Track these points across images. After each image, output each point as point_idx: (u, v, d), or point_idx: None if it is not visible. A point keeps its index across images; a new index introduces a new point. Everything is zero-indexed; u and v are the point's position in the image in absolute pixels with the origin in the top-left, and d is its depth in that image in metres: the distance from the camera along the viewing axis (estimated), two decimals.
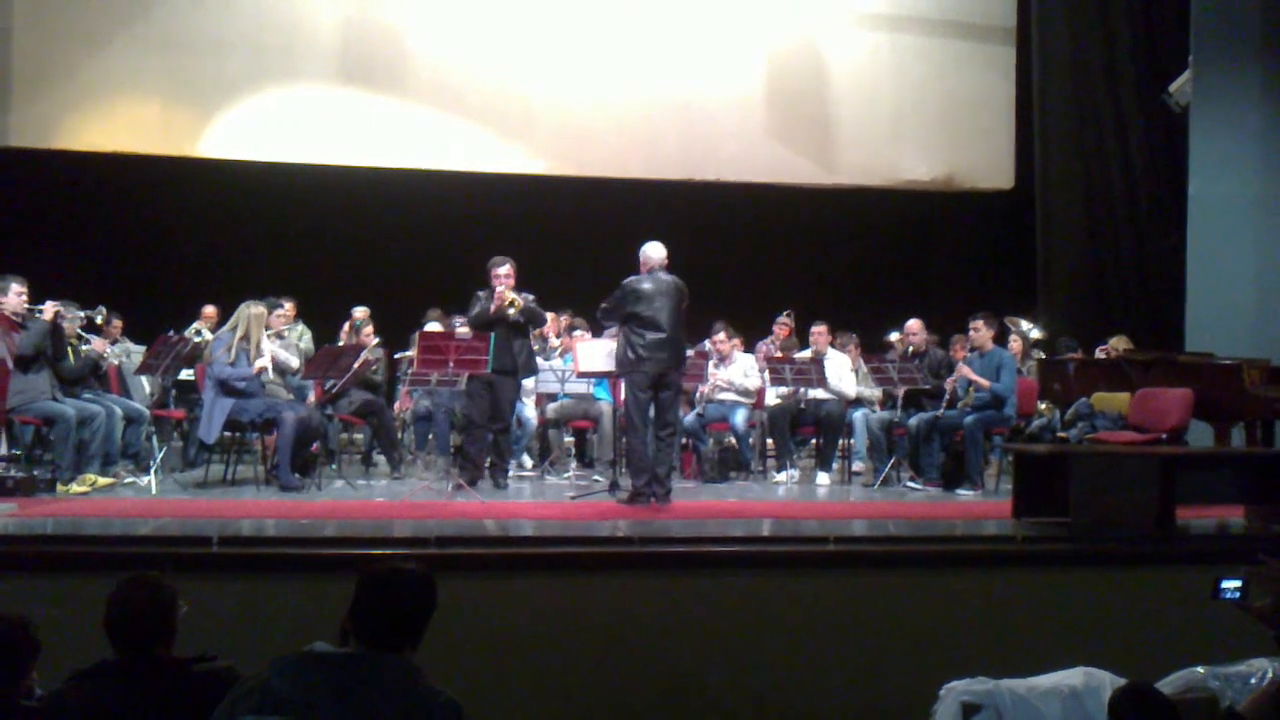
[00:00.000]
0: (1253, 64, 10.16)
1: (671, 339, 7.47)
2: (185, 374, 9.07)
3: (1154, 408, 7.96)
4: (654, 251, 7.69)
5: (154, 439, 8.55)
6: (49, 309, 7.66)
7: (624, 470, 8.03)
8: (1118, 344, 9.91)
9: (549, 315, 10.31)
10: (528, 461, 9.72)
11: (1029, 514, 6.82)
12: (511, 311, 8.13)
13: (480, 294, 8.30)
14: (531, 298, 8.35)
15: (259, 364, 7.91)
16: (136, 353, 9.57)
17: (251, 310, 8.02)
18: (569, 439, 10.03)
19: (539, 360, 9.77)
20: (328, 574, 5.27)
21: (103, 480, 7.55)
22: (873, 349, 10.57)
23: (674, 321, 7.49)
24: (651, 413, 7.60)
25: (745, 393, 9.46)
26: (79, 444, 7.47)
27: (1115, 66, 13.06)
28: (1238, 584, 3.30)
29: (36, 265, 8.83)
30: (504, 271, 8.20)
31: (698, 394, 9.57)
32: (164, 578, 3.20)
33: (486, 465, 8.44)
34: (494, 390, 8.18)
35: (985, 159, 13.44)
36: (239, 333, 7.91)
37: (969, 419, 8.58)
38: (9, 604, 3.56)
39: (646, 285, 7.50)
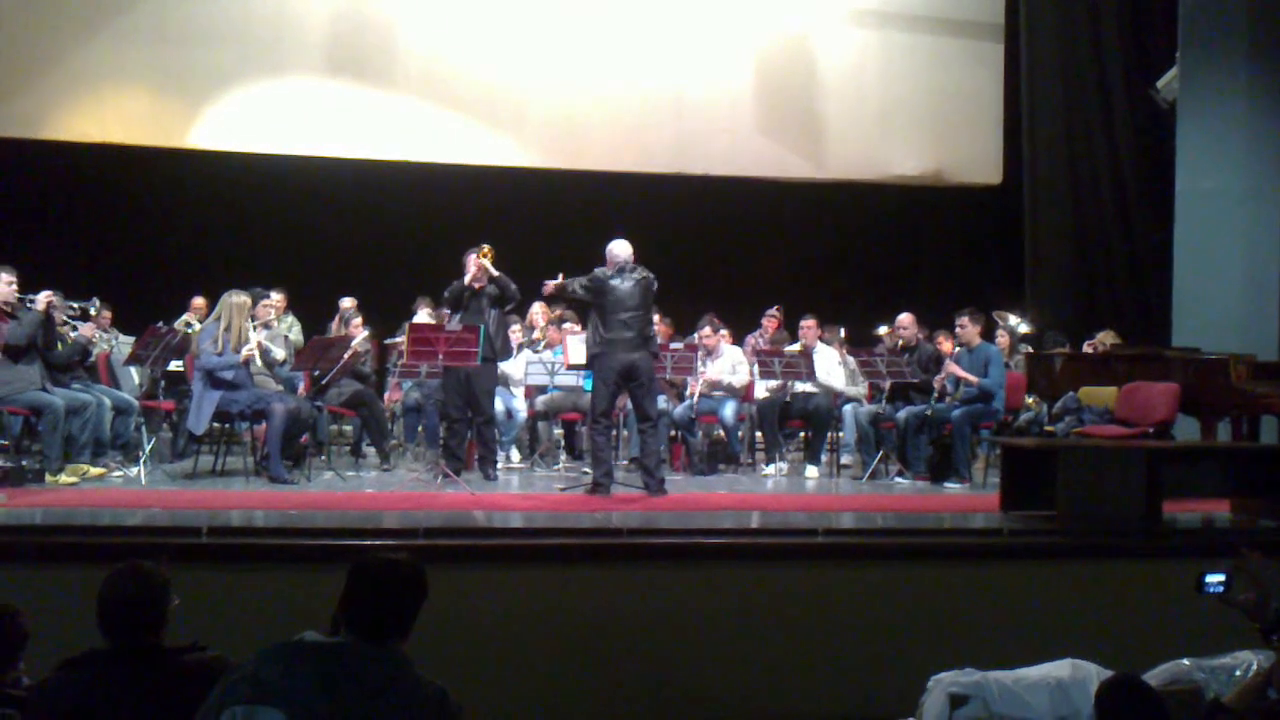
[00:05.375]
0: (1240, 60, 10.20)
1: (638, 327, 7.62)
2: (174, 365, 9.05)
3: (1141, 402, 8.00)
4: (620, 250, 7.80)
5: (143, 430, 8.53)
6: (42, 299, 7.64)
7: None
8: (1105, 339, 9.95)
9: (539, 306, 10.33)
10: (516, 455, 9.72)
11: (1016, 507, 6.85)
12: (484, 261, 8.19)
13: (455, 284, 8.43)
14: (514, 288, 8.41)
15: (246, 350, 7.89)
16: (125, 343, 9.54)
17: (233, 300, 8.00)
18: (558, 431, 10.02)
19: (527, 352, 9.80)
20: (317, 565, 5.29)
21: (92, 471, 7.54)
22: (861, 343, 10.59)
23: (639, 312, 7.64)
24: (629, 405, 7.61)
25: (732, 390, 9.45)
26: (68, 435, 7.47)
27: (1103, 62, 13.09)
28: (1221, 578, 3.32)
29: (25, 256, 8.82)
30: (477, 255, 8.33)
31: (688, 390, 9.57)
32: (157, 567, 3.19)
33: (476, 458, 8.46)
34: (470, 381, 8.20)
35: (973, 154, 13.46)
36: (222, 324, 7.89)
37: (957, 413, 8.60)
38: None
39: (616, 281, 7.65)
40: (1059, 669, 4.23)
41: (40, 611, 3.60)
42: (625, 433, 9.46)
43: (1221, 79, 10.32)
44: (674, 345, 9.40)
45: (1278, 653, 3.29)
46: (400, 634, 2.84)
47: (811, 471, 9.13)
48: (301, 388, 8.98)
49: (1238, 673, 3.83)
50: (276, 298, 9.83)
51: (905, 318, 9.49)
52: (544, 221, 12.14)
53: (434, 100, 12.49)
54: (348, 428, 10.09)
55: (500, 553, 5.80)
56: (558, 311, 10.26)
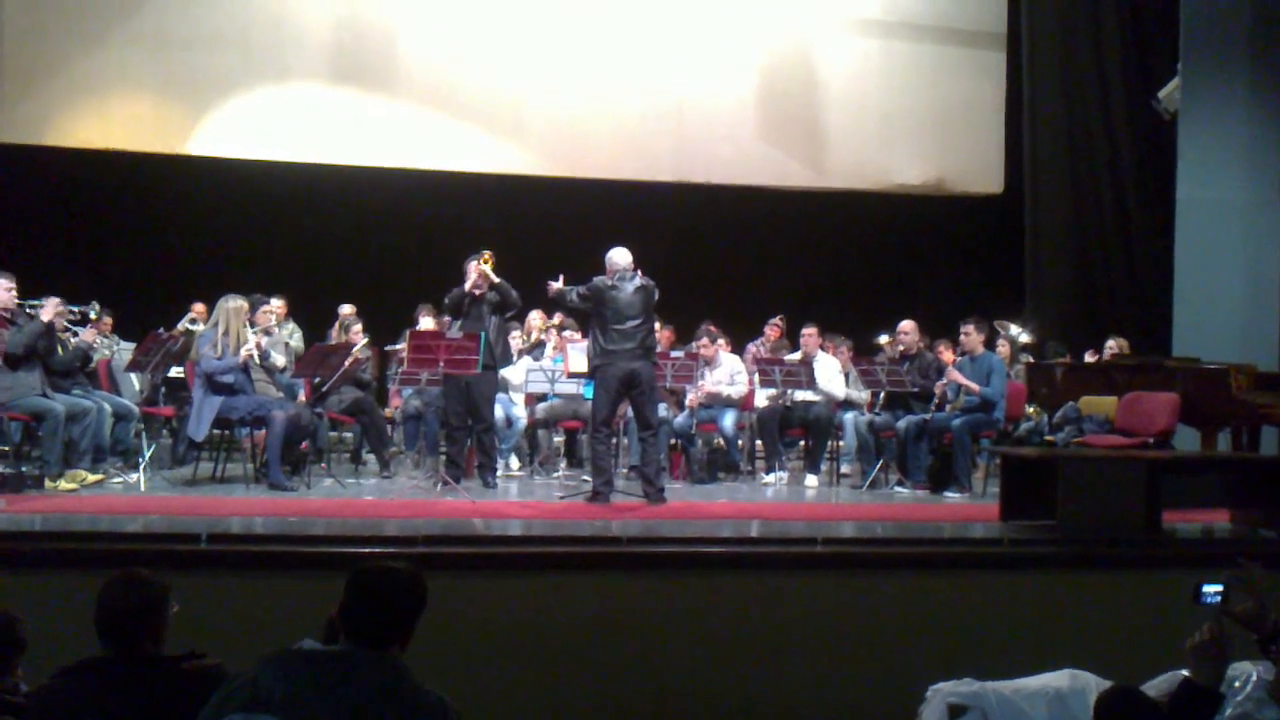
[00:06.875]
0: (1241, 71, 10.21)
1: (639, 337, 7.60)
2: (175, 371, 9.05)
3: (1141, 412, 8.00)
4: (619, 258, 7.81)
5: (143, 436, 8.53)
6: (49, 310, 7.63)
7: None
8: (1116, 345, 9.97)
9: (537, 313, 10.32)
10: (516, 462, 9.71)
11: (1016, 517, 6.85)
12: (485, 267, 8.20)
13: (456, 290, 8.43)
14: (515, 295, 8.42)
15: (245, 350, 7.89)
16: (126, 349, 9.54)
17: (229, 304, 8.02)
18: (558, 439, 10.02)
19: (527, 359, 9.80)
20: (316, 572, 5.28)
21: (92, 477, 7.54)
22: (862, 352, 10.59)
23: (640, 320, 7.63)
24: (630, 413, 7.60)
25: (731, 400, 9.44)
26: (68, 441, 7.46)
27: (1105, 73, 13.11)
28: (1219, 588, 3.30)
29: (27, 261, 8.83)
30: (477, 261, 8.33)
31: (688, 399, 9.57)
32: (156, 574, 3.18)
33: (476, 465, 8.45)
34: (470, 388, 8.21)
35: (975, 163, 13.48)
36: (220, 328, 7.91)
37: (957, 422, 8.60)
38: None
39: (615, 290, 7.64)
40: (1058, 679, 4.23)
41: (38, 618, 3.60)
42: (625, 441, 9.45)
43: (1223, 89, 10.32)
44: (674, 354, 9.39)
45: (1276, 664, 3.28)
46: (399, 642, 2.83)
47: (811, 480, 9.12)
48: (302, 394, 8.98)
49: (1236, 684, 3.82)
50: (277, 304, 9.83)
51: (907, 324, 9.47)
52: (545, 229, 12.14)
53: (435, 107, 12.51)
54: (348, 435, 10.08)
55: (500, 561, 5.79)
56: (556, 319, 10.25)
